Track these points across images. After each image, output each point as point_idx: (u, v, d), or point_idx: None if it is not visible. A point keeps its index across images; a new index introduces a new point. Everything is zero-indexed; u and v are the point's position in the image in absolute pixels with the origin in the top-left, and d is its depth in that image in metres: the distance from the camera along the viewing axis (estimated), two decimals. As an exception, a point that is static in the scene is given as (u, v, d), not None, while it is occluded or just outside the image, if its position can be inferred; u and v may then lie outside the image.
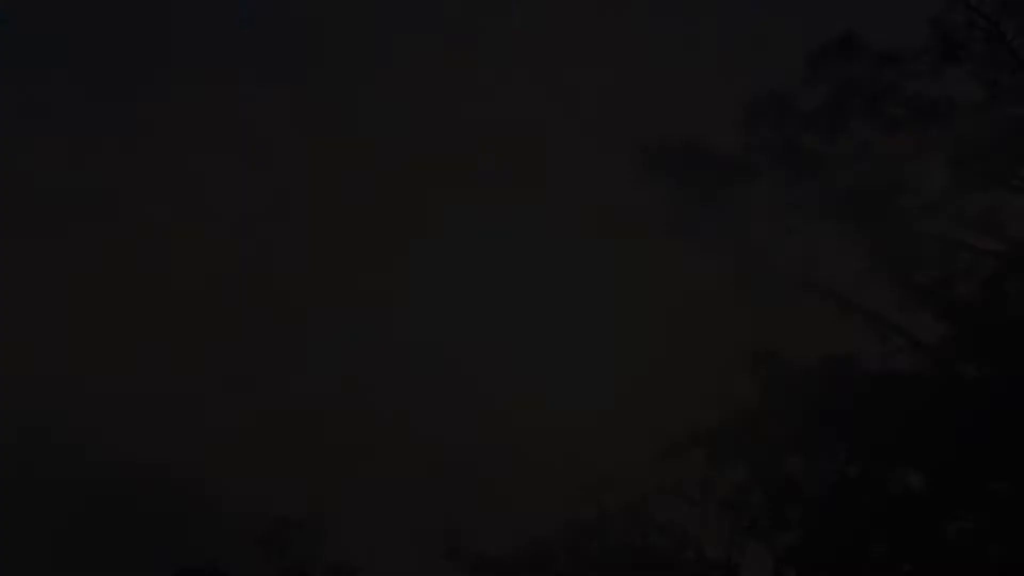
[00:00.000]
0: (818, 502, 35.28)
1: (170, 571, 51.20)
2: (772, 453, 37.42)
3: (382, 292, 51.78)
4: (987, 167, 27.65)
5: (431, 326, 55.57)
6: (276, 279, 52.72)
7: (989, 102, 27.62)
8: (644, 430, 44.94)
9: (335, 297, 51.12)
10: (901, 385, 28.28)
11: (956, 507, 28.84)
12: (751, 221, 28.53)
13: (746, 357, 29.75)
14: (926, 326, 28.48)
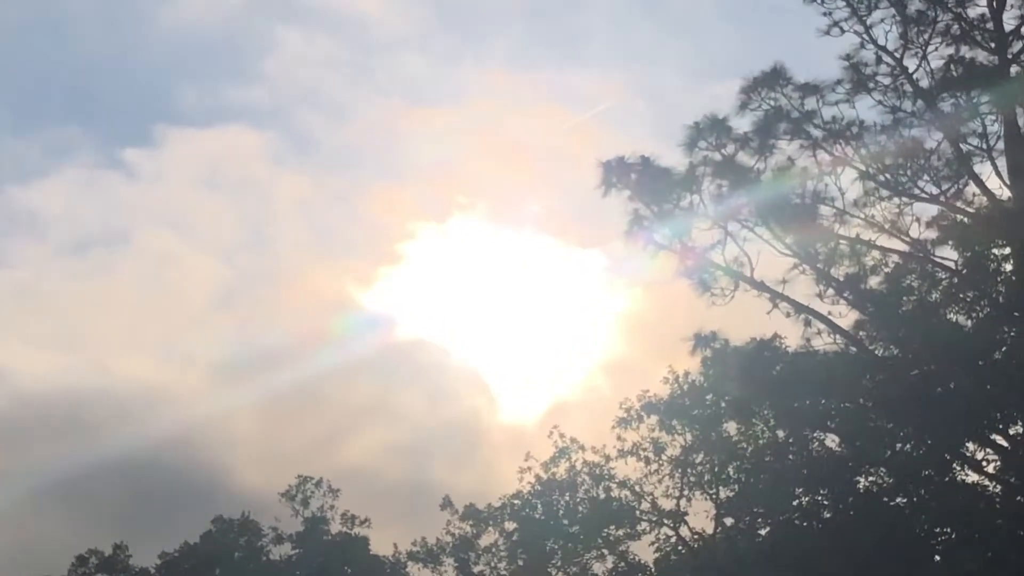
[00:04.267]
0: (752, 460, 37.24)
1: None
2: (713, 419, 40.10)
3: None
4: (892, 180, 30.48)
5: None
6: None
7: (893, 125, 30.14)
8: (610, 403, 49.30)
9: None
10: (820, 362, 30.99)
11: (867, 464, 31.56)
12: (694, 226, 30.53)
13: (690, 340, 31.79)
14: (841, 314, 30.94)
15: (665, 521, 47.13)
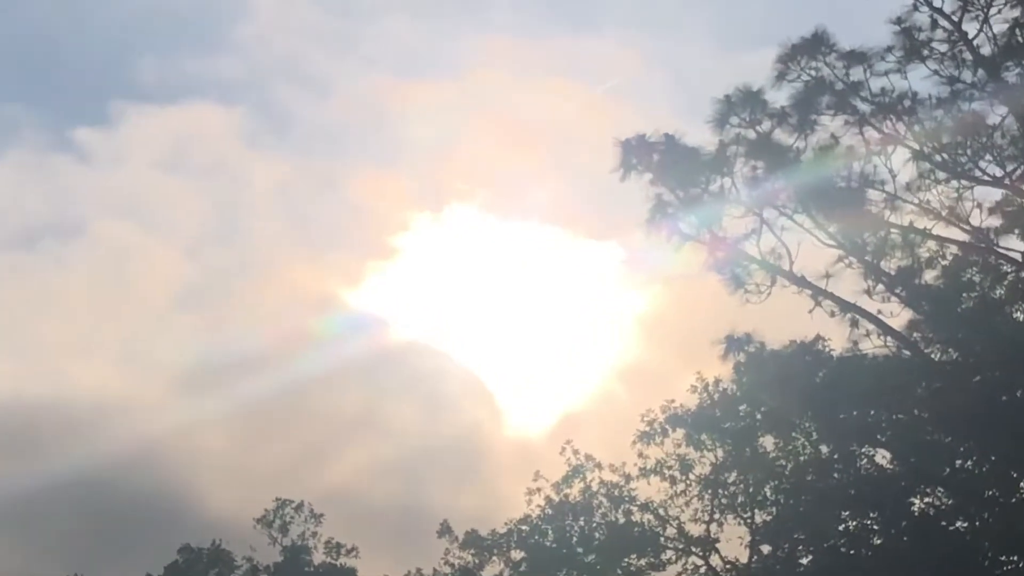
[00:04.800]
0: (792, 479, 37.11)
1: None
2: (747, 433, 39.68)
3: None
4: (949, 160, 30.16)
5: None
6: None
7: (951, 98, 29.79)
8: (629, 415, 48.89)
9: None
10: (869, 368, 30.75)
11: (922, 483, 31.31)
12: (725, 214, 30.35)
13: (721, 343, 31.27)
14: (893, 312, 30.57)
15: (693, 549, 47.14)
